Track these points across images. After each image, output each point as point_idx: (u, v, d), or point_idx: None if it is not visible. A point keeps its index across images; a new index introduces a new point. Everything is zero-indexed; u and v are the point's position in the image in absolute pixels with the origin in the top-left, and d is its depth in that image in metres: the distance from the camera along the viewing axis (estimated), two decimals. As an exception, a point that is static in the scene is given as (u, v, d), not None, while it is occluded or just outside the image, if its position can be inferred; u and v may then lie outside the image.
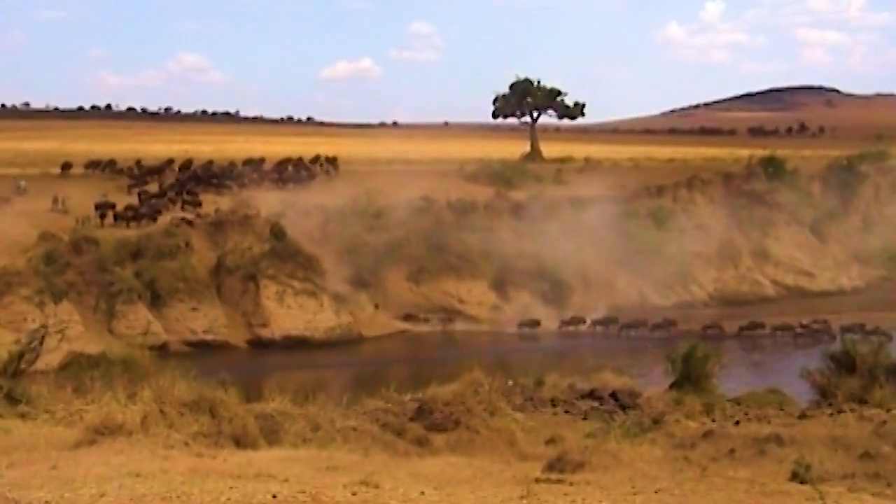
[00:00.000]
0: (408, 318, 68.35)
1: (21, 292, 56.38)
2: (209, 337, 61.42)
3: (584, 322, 67.80)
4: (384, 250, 71.45)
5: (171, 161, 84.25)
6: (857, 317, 66.66)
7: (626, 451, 14.79)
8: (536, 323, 67.56)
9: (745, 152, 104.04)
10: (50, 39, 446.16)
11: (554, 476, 11.53)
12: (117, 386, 16.37)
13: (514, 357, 59.19)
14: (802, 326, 65.86)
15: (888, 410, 20.98)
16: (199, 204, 72.44)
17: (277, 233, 67.02)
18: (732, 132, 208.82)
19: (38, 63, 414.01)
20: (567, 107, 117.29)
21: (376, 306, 68.45)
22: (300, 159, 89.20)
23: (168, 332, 60.20)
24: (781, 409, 24.16)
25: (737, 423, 21.71)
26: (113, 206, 68.22)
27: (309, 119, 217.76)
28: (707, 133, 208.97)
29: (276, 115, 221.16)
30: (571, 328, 67.59)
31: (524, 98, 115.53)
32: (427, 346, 64.60)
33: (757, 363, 59.37)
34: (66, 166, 79.48)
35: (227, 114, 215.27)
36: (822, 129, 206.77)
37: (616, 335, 66.74)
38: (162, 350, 52.61)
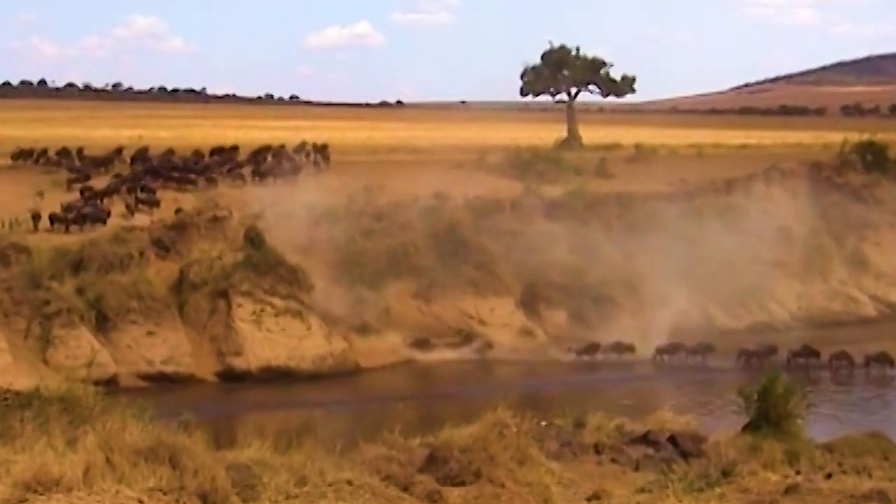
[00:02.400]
0: (416, 343, 68.41)
1: (-72, 315, 56.75)
2: (169, 368, 61.46)
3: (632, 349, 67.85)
4: (386, 260, 71.54)
5: (120, 150, 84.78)
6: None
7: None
8: (595, 348, 67.63)
9: (836, 136, 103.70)
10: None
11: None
12: (54, 430, 16.32)
13: (550, 392, 59.66)
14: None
15: None
16: (157, 203, 72.65)
17: (254, 239, 66.87)
18: (821, 111, 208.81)
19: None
20: (613, 81, 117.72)
21: (377, 330, 68.52)
22: (282, 147, 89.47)
23: (118, 362, 59.99)
24: (885, 459, 24.24)
25: (828, 475, 21.65)
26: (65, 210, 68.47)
27: (293, 98, 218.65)
28: (789, 113, 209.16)
29: (251, 93, 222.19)
30: (619, 356, 67.79)
31: (560, 71, 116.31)
32: (440, 378, 64.82)
33: (854, 401, 59.30)
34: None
35: (191, 91, 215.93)
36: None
37: (683, 365, 66.91)
38: (110, 385, 51.74)
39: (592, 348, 67.83)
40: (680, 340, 68.28)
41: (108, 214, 69.21)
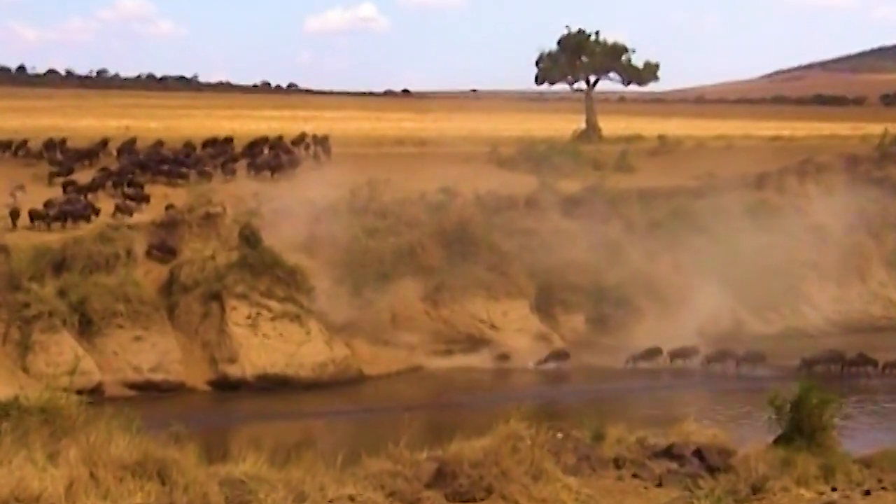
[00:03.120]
0: (423, 350, 68.60)
1: None
2: (158, 376, 61.43)
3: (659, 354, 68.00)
4: (392, 260, 71.56)
5: (106, 142, 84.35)
6: None
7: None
8: (657, 352, 67.43)
9: (876, 127, 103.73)
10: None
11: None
12: (34, 443, 16.29)
13: (568, 402, 60.14)
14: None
15: None
16: (146, 199, 72.53)
17: (249, 237, 66.73)
18: (859, 100, 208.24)
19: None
20: (635, 69, 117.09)
21: (382, 335, 68.65)
22: (279, 139, 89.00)
23: (103, 370, 59.93)
24: (926, 475, 23.96)
25: (866, 492, 21.87)
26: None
27: (291, 86, 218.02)
28: (825, 102, 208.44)
29: (246, 81, 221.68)
30: (684, 361, 68.22)
31: (578, 57, 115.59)
32: (449, 387, 64.72)
33: (890, 412, 59.42)
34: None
35: (183, 78, 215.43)
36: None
37: (726, 373, 66.84)
38: (94, 394, 51.62)
39: (651, 354, 67.71)
40: (700, 346, 68.55)
41: (95, 211, 69.00)
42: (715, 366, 67.32)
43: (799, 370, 64.12)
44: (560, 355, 68.41)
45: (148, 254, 66.34)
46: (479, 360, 69.10)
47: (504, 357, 69.55)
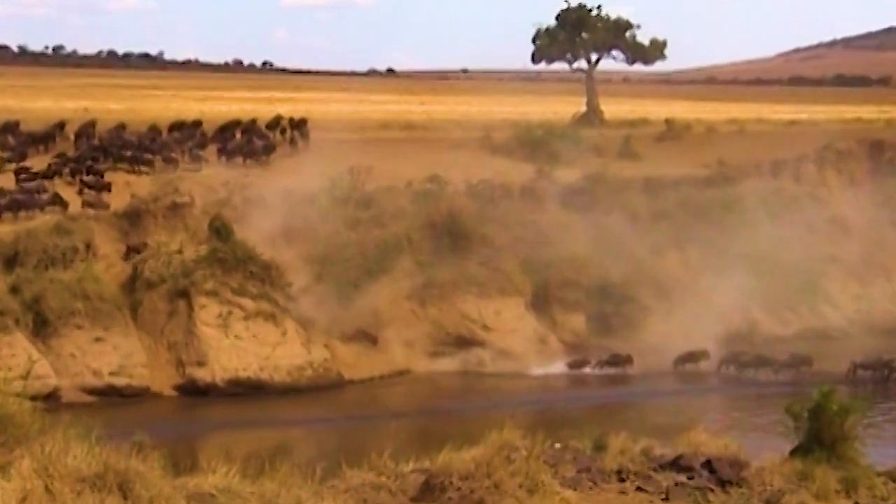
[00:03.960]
0: (410, 352, 68.69)
1: None
2: (120, 381, 61.09)
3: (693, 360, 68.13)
4: (376, 255, 71.56)
5: (63, 124, 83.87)
6: None
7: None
8: (702, 355, 67.40)
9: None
10: None
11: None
12: (-16, 453, 16.14)
13: (566, 409, 60.75)
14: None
15: None
16: (107, 187, 72.31)
17: (220, 229, 66.75)
18: (884, 81, 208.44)
19: None
20: (640, 46, 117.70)
21: (365, 336, 68.49)
22: (253, 123, 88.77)
23: (60, 374, 59.54)
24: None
25: (892, 507, 21.45)
26: None
27: (266, 65, 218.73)
28: (846, 83, 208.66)
29: (217, 59, 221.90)
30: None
31: (578, 34, 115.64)
32: (437, 392, 65.01)
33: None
34: None
35: (147, 56, 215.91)
36: None
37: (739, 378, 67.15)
38: (50, 400, 50.92)
39: (694, 356, 67.61)
40: (727, 348, 68.77)
41: (49, 200, 68.95)
42: (748, 370, 67.41)
43: (847, 373, 64.35)
44: (618, 360, 68.24)
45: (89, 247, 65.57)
46: (471, 364, 69.01)
47: (497, 360, 69.26)
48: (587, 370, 68.55)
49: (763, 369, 67.18)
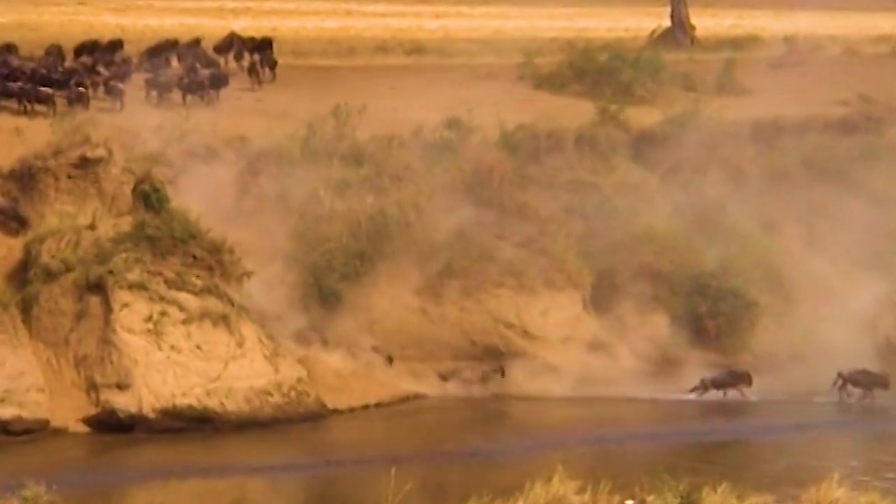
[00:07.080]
0: (418, 369, 60.83)
1: None
2: (7, 411, 52.97)
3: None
4: (370, 232, 62.99)
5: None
6: None
7: None
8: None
9: None
10: None
11: None
12: None
13: (642, 450, 52.92)
14: None
15: None
16: (-9, 134, 68.20)
17: (149, 195, 58.25)
18: None
19: None
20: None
21: (354, 347, 60.47)
22: (196, 43, 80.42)
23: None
24: None
25: None
26: None
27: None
28: None
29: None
30: None
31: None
32: (456, 427, 57.50)
33: None
34: None
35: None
36: None
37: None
38: None
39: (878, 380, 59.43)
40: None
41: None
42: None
43: None
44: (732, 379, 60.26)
45: None
46: (505, 385, 60.46)
47: (543, 379, 60.48)
48: (681, 395, 60.15)
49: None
